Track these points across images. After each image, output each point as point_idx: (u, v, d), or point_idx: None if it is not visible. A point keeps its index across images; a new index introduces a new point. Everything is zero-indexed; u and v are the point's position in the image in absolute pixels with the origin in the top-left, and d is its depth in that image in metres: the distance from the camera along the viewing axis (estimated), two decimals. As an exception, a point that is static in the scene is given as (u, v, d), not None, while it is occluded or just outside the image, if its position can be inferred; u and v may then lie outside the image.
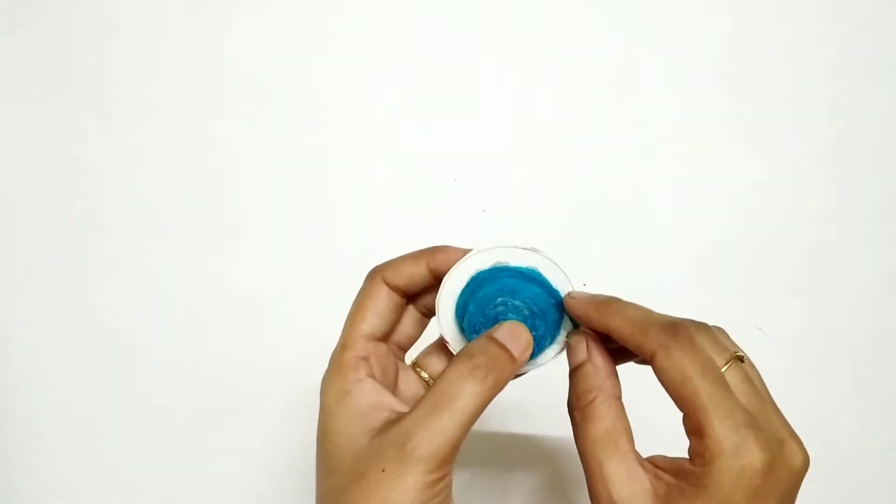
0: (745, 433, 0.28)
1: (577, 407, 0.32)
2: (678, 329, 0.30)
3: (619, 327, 0.31)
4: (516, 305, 0.34)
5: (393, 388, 0.36)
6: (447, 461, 0.30)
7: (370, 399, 0.33)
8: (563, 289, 0.36)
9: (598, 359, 0.33)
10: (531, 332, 0.33)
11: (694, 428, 0.29)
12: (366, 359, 0.34)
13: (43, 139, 0.59)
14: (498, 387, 0.31)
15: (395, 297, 0.35)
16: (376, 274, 0.35)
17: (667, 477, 0.30)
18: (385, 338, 0.36)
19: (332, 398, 0.33)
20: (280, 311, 0.58)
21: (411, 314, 0.37)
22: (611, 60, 0.58)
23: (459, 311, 0.35)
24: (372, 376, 0.34)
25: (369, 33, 0.58)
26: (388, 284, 0.35)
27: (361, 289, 0.35)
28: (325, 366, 0.34)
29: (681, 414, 0.29)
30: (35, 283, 0.58)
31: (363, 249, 0.57)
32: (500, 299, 0.34)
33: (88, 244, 0.58)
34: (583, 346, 0.33)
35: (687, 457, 0.29)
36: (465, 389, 0.30)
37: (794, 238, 0.57)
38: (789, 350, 0.56)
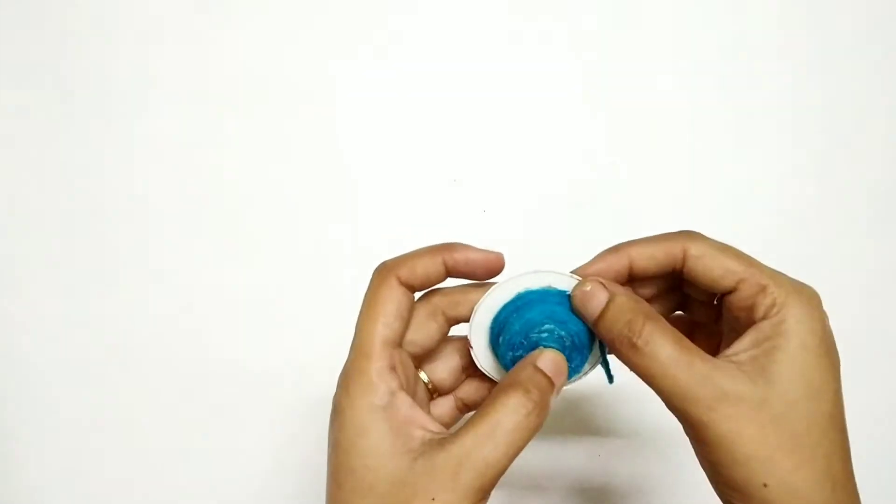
0: (787, 277, 0.32)
1: (628, 341, 0.30)
2: (693, 231, 0.33)
3: (642, 249, 0.33)
4: (560, 336, 0.33)
5: (415, 395, 0.34)
6: (490, 490, 0.30)
7: (403, 416, 0.31)
8: None
9: (622, 290, 0.33)
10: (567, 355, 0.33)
11: (753, 288, 0.31)
12: (393, 368, 0.32)
13: (43, 139, 0.59)
14: (545, 416, 0.31)
15: (410, 297, 0.33)
16: (389, 272, 0.33)
17: (748, 353, 0.30)
18: (400, 343, 0.34)
19: (362, 413, 0.31)
20: (280, 312, 0.58)
21: (439, 324, 0.36)
22: (611, 59, 0.58)
23: (497, 325, 0.34)
24: (403, 388, 0.32)
25: (369, 33, 0.58)
26: (403, 284, 0.33)
27: (373, 288, 0.33)
28: (327, 367, 0.34)
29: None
30: (35, 283, 0.58)
31: (363, 249, 0.57)
32: (547, 325, 0.33)
33: (88, 244, 0.58)
34: (600, 286, 0.32)
35: (752, 326, 0.31)
36: (520, 423, 0.30)
37: (793, 238, 0.57)
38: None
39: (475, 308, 0.34)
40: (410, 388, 0.33)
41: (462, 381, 0.37)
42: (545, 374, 0.31)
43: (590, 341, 0.34)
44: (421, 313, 0.35)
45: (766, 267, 0.31)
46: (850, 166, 0.58)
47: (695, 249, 0.32)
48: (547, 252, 0.57)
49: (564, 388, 0.34)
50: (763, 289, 0.31)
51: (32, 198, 0.59)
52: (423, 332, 0.35)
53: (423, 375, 0.36)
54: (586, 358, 0.35)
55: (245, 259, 0.58)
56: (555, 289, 0.34)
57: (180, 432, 0.57)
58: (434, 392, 0.37)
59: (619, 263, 0.33)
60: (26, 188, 0.59)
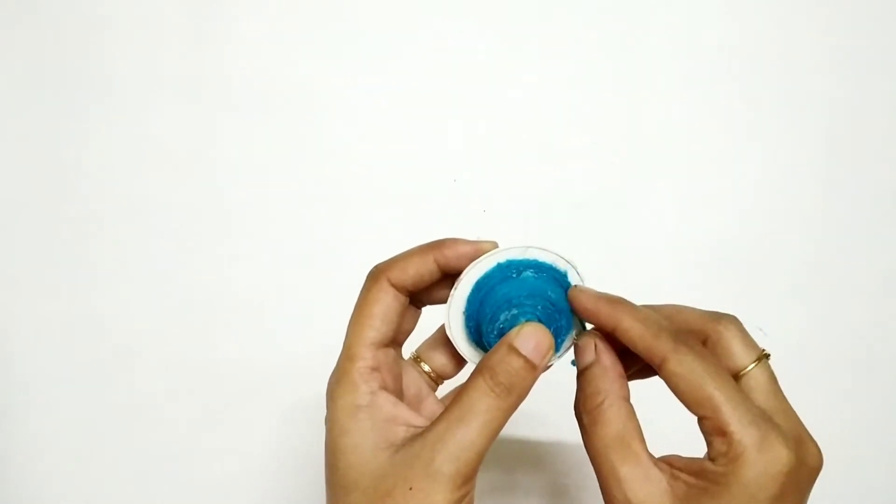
0: (766, 429, 0.28)
1: (586, 410, 0.31)
2: (690, 336, 0.31)
3: (630, 328, 0.31)
4: (535, 305, 0.33)
5: (402, 394, 0.35)
6: (472, 476, 0.30)
7: (385, 413, 0.32)
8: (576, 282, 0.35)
9: (607, 360, 0.32)
10: (552, 330, 0.32)
11: (714, 428, 0.29)
12: (377, 369, 0.33)
13: (43, 139, 0.59)
14: (521, 399, 0.31)
15: (402, 299, 0.34)
16: (380, 274, 0.33)
17: (685, 477, 0.29)
18: (390, 344, 0.34)
19: (344, 413, 0.32)
20: (280, 312, 0.58)
21: (412, 314, 0.36)
22: (611, 60, 0.58)
23: (472, 312, 0.34)
24: (385, 388, 0.33)
25: (370, 33, 0.58)
26: (394, 286, 0.33)
27: (364, 291, 0.33)
28: (327, 367, 0.34)
29: (691, 418, 0.29)
30: (35, 282, 0.58)
31: (363, 250, 0.57)
32: (516, 299, 0.33)
33: (88, 244, 0.58)
34: (591, 348, 0.33)
35: (705, 458, 0.29)
36: (490, 405, 0.30)
37: (794, 238, 0.57)
38: (790, 350, 0.56)
39: (449, 302, 0.34)
40: (396, 386, 0.34)
41: (465, 364, 0.37)
42: (518, 353, 0.31)
43: (570, 317, 0.34)
44: (380, 294, 0.35)
45: (732, 406, 0.28)
46: (849, 166, 0.58)
47: (673, 365, 0.29)
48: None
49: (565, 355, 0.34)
50: (722, 434, 0.28)
51: (32, 197, 0.59)
52: (410, 323, 0.36)
53: (424, 367, 0.36)
54: (571, 322, 0.34)
55: (246, 259, 0.58)
56: (517, 258, 0.34)
57: (180, 432, 0.57)
58: (439, 379, 0.37)
59: (610, 325, 0.32)
60: (26, 188, 0.58)
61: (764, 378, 0.31)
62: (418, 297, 0.35)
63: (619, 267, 0.57)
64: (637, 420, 0.31)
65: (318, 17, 0.59)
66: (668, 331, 0.30)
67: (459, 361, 0.37)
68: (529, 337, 0.31)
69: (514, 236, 0.56)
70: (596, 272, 0.57)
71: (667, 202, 0.57)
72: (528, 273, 0.34)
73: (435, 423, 0.31)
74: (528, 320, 0.32)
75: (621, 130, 0.58)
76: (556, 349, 0.33)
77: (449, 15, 0.58)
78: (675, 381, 0.29)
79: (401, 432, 0.31)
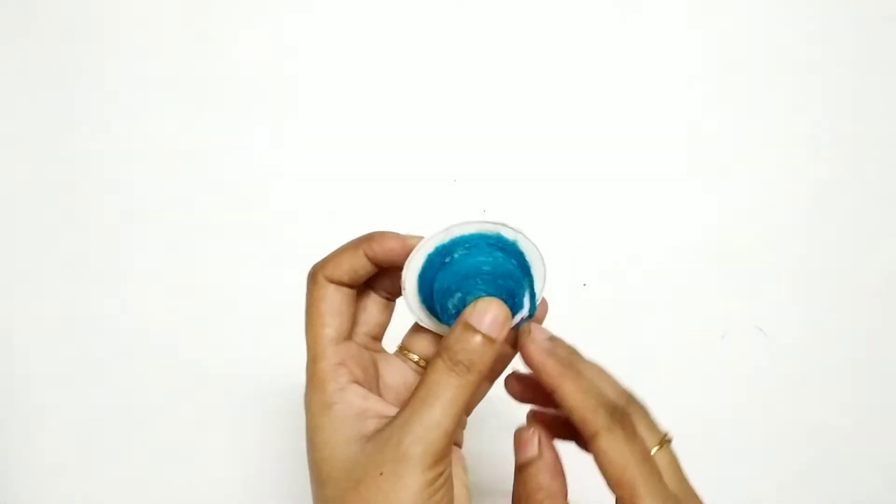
0: None
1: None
2: (624, 415, 0.31)
3: (569, 395, 0.31)
4: (474, 282, 0.33)
5: (376, 384, 0.35)
6: (443, 455, 0.30)
7: (356, 408, 0.32)
8: (528, 250, 0.34)
9: (549, 456, 0.32)
10: (507, 300, 0.32)
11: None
12: (343, 364, 0.33)
13: (43, 139, 0.59)
14: (482, 374, 0.31)
15: (344, 291, 0.34)
16: (317, 273, 0.34)
17: None
18: (349, 336, 0.35)
19: (316, 411, 0.32)
20: (280, 311, 0.58)
21: (374, 301, 0.36)
22: (611, 59, 0.58)
23: (426, 294, 0.34)
24: (356, 381, 0.33)
25: (370, 33, 0.58)
26: (332, 282, 0.34)
27: (308, 292, 0.34)
28: None
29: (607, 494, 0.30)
30: (35, 282, 0.58)
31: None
32: (454, 284, 0.33)
33: (88, 244, 0.58)
34: (535, 442, 0.33)
35: None
36: (451, 384, 0.30)
37: (794, 238, 0.57)
38: (789, 350, 0.56)
39: (402, 288, 0.34)
40: (368, 375, 0.34)
41: None
42: (474, 329, 0.31)
43: (521, 273, 0.34)
44: (375, 299, 0.36)
45: (657, 491, 0.30)
46: (850, 166, 0.57)
47: (603, 441, 0.30)
48: (547, 251, 0.57)
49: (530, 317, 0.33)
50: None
51: (32, 197, 0.58)
52: (383, 315, 0.36)
53: (412, 356, 0.37)
54: (524, 274, 0.34)
55: (245, 259, 0.58)
56: (458, 237, 0.34)
57: (179, 432, 0.57)
58: (420, 362, 0.37)
59: (552, 384, 0.32)
60: (25, 187, 0.58)
61: (664, 462, 0.31)
62: (381, 287, 0.36)
63: (619, 267, 0.57)
64: None
65: (318, 17, 0.59)
66: (605, 406, 0.31)
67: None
68: (483, 312, 0.32)
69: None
70: (596, 272, 0.57)
71: (667, 202, 0.57)
72: (459, 252, 0.33)
73: (401, 409, 0.31)
74: (477, 297, 0.32)
75: (622, 130, 0.58)
76: (516, 310, 0.33)
77: (449, 14, 0.58)
78: (601, 458, 0.30)
79: (372, 424, 0.31)
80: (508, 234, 0.34)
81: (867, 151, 0.58)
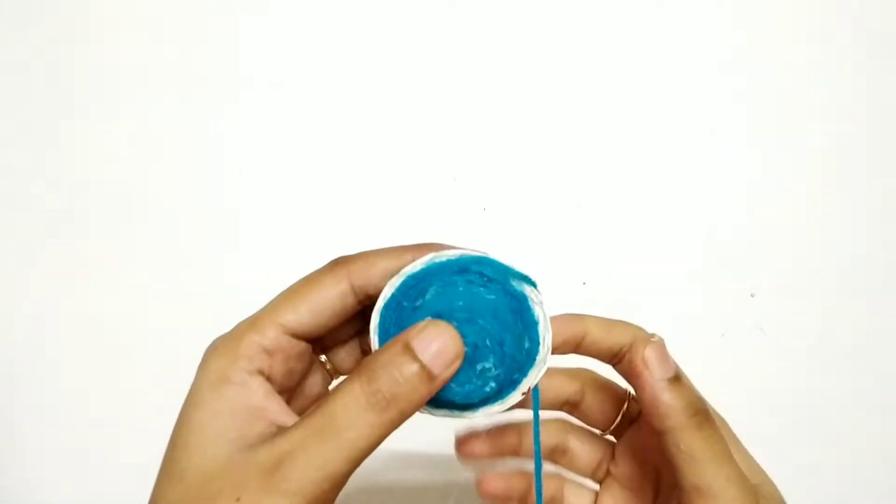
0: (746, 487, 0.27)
1: (704, 412, 0.28)
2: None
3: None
4: (458, 316, 0.25)
5: (291, 395, 0.29)
6: (324, 501, 0.24)
7: (253, 401, 0.26)
8: (531, 296, 0.27)
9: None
10: (491, 347, 0.26)
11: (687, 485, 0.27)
12: (271, 352, 0.27)
13: (42, 138, 0.58)
14: (405, 417, 0.24)
15: (350, 301, 0.28)
16: (341, 265, 0.28)
17: None
18: (312, 339, 0.29)
19: (207, 381, 0.26)
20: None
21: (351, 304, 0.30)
22: (611, 59, 0.58)
23: (384, 335, 0.27)
24: (267, 377, 0.27)
25: (370, 33, 0.58)
26: (353, 282, 0.28)
27: (314, 273, 0.29)
28: None
29: None
30: (34, 282, 0.58)
31: (364, 248, 0.57)
32: (461, 315, 0.25)
33: (88, 243, 0.58)
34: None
35: None
36: (358, 420, 0.24)
37: (793, 238, 0.57)
38: (789, 350, 0.56)
39: (387, 284, 0.27)
40: (286, 383, 0.28)
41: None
42: (415, 356, 0.24)
43: (508, 339, 0.26)
44: (326, 283, 0.29)
45: (725, 464, 0.27)
46: (850, 166, 0.57)
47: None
48: (546, 251, 0.57)
49: (494, 416, 0.27)
50: (700, 492, 0.27)
51: (32, 196, 0.58)
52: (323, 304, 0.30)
53: (322, 358, 0.31)
54: (513, 363, 0.26)
55: (245, 258, 0.58)
56: (441, 260, 0.27)
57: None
58: (336, 374, 0.32)
59: (574, 332, 0.29)
60: (25, 187, 0.58)
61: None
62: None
63: (619, 267, 0.57)
64: None
65: (319, 16, 0.58)
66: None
67: (362, 356, 0.31)
68: (430, 337, 0.24)
69: (514, 235, 0.57)
70: (596, 272, 0.57)
71: (667, 202, 0.57)
72: (431, 292, 0.26)
73: (293, 427, 0.25)
74: (436, 316, 0.25)
75: (622, 130, 0.58)
76: (503, 367, 0.26)
77: (450, 12, 0.58)
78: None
79: (259, 428, 0.25)
80: (492, 267, 0.27)
81: (868, 151, 0.57)
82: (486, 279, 0.26)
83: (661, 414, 0.27)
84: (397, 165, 0.58)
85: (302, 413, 0.26)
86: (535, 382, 0.27)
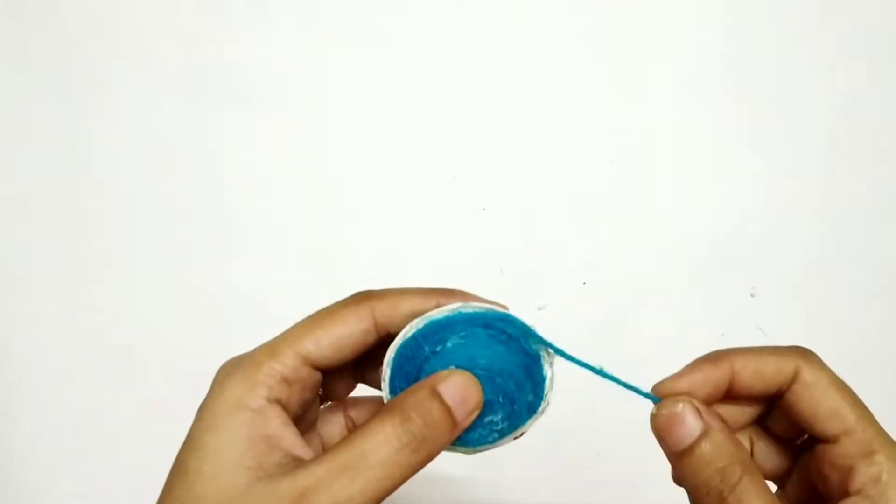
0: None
1: (717, 494, 0.24)
2: (808, 351, 0.28)
3: (744, 363, 0.27)
4: (479, 373, 0.27)
5: (307, 428, 0.29)
6: None
7: (269, 428, 0.26)
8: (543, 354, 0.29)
9: (718, 421, 0.26)
10: (503, 403, 0.27)
11: (855, 451, 0.26)
12: (290, 382, 0.27)
13: (43, 138, 0.58)
14: (430, 459, 0.25)
15: (372, 339, 0.28)
16: (366, 300, 0.28)
17: None
18: (326, 370, 0.28)
19: (224, 406, 0.26)
20: (280, 310, 0.57)
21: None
22: (611, 59, 0.58)
23: (397, 371, 0.28)
24: (285, 406, 0.27)
25: (370, 32, 0.58)
26: (377, 320, 0.28)
27: (339, 304, 0.29)
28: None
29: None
30: (36, 281, 0.58)
31: (364, 247, 0.57)
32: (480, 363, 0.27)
33: (89, 243, 0.58)
34: (692, 414, 0.26)
35: (840, 497, 0.25)
36: (389, 459, 0.24)
37: (793, 238, 0.57)
38: (789, 350, 0.56)
39: (409, 324, 0.28)
40: (300, 414, 0.28)
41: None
42: (443, 402, 0.25)
43: (519, 397, 0.28)
44: (351, 319, 0.29)
45: (878, 425, 0.26)
46: (850, 166, 0.57)
47: (809, 374, 0.26)
48: (546, 251, 0.57)
49: (481, 453, 0.28)
50: (870, 454, 0.25)
51: (32, 196, 0.58)
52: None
53: (350, 413, 0.31)
54: (517, 418, 0.28)
55: (245, 258, 0.58)
56: (463, 311, 0.28)
57: (180, 432, 0.57)
58: (324, 398, 0.31)
59: (719, 377, 0.27)
60: (27, 186, 0.58)
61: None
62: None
63: (619, 267, 0.57)
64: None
65: (318, 15, 0.58)
66: (787, 347, 0.27)
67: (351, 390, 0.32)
68: (458, 386, 0.26)
69: (514, 234, 0.57)
70: (596, 272, 0.57)
71: (667, 202, 0.57)
72: (453, 341, 0.27)
73: (315, 461, 0.24)
74: (458, 367, 0.27)
75: (622, 129, 0.58)
76: (512, 420, 0.28)
77: (449, 12, 0.58)
78: (809, 394, 0.26)
79: (276, 458, 0.25)
80: (514, 326, 0.28)
81: (867, 151, 0.57)
82: (507, 336, 0.28)
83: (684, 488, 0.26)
84: (397, 165, 0.58)
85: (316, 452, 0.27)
86: (528, 430, 0.29)
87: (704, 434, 0.25)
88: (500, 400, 0.27)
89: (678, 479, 0.26)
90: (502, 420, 0.28)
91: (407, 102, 0.58)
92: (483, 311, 0.28)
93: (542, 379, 0.28)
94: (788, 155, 0.57)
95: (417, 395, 0.25)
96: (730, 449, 0.25)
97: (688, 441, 0.26)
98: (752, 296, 0.57)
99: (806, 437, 0.29)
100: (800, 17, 0.58)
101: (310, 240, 0.58)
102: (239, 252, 0.58)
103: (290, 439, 0.26)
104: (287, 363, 0.27)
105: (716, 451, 0.25)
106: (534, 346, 0.28)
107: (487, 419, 0.27)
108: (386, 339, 0.29)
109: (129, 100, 0.58)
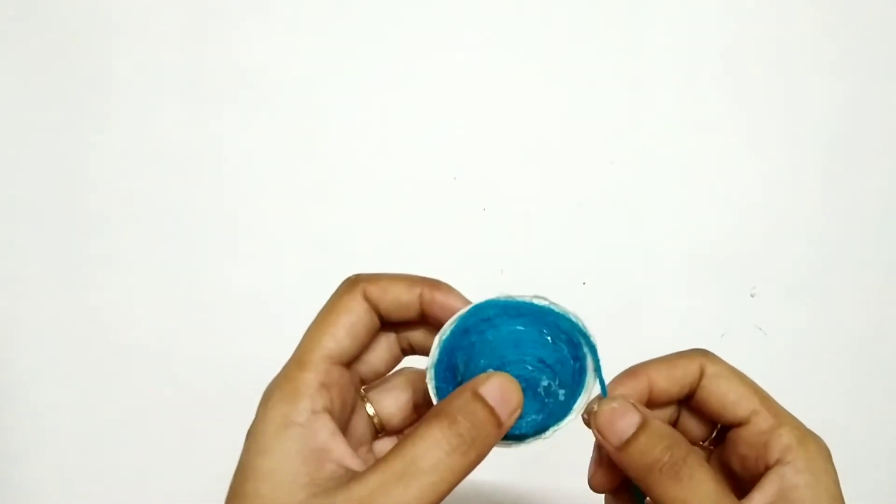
0: (800, 421, 0.29)
1: (671, 469, 0.26)
2: (707, 350, 0.31)
3: (658, 371, 0.29)
4: (535, 370, 0.28)
5: (346, 427, 0.30)
6: None
7: (319, 441, 0.26)
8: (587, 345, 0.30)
9: (659, 414, 0.29)
10: (538, 395, 0.28)
11: (765, 427, 0.28)
12: (327, 386, 0.27)
13: (44, 138, 0.58)
14: (480, 459, 0.26)
15: (373, 318, 0.29)
16: (357, 284, 0.29)
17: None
18: (349, 363, 0.29)
19: (272, 426, 0.26)
20: (280, 310, 0.57)
21: (389, 344, 0.31)
22: (612, 59, 0.58)
23: (444, 358, 0.29)
24: (329, 411, 0.27)
25: (370, 31, 0.58)
26: (368, 300, 0.29)
27: (335, 296, 0.29)
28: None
29: None
30: (36, 281, 0.58)
31: (363, 247, 0.57)
32: (520, 357, 0.28)
33: (89, 243, 0.58)
34: (630, 407, 0.28)
35: (769, 473, 0.28)
36: (441, 463, 0.24)
37: (793, 238, 0.57)
38: (789, 350, 0.56)
39: (441, 331, 0.29)
40: (343, 415, 0.29)
41: (413, 420, 0.32)
42: (485, 402, 0.26)
43: (573, 382, 0.29)
44: (390, 343, 0.31)
45: (778, 403, 0.29)
46: (849, 166, 0.57)
47: (712, 368, 0.29)
48: (546, 250, 0.57)
49: (543, 440, 0.29)
50: (778, 426, 0.28)
51: (33, 196, 0.58)
52: (388, 365, 0.31)
53: (369, 408, 0.31)
54: (567, 402, 0.29)
55: (245, 257, 0.58)
56: (508, 298, 0.29)
57: (180, 431, 0.57)
58: (381, 429, 0.32)
59: (640, 387, 0.29)
60: (27, 187, 0.58)
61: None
62: (406, 336, 0.31)
63: (619, 266, 0.57)
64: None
65: (318, 15, 0.58)
66: (689, 351, 0.30)
67: (408, 415, 0.32)
68: (497, 386, 0.26)
69: (514, 234, 0.57)
70: (595, 272, 0.57)
71: (667, 202, 0.57)
72: (505, 326, 0.29)
73: (368, 472, 0.25)
74: (496, 370, 0.27)
75: (622, 129, 0.58)
76: (553, 413, 0.29)
77: (449, 12, 0.58)
78: (716, 385, 0.29)
79: (328, 470, 0.25)
80: (568, 321, 0.29)
81: (867, 151, 0.57)
82: (556, 330, 0.29)
83: (632, 476, 0.28)
84: (398, 165, 0.58)
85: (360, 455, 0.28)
86: (564, 426, 0.30)
87: (645, 422, 0.27)
88: (544, 393, 0.28)
89: (624, 467, 0.28)
90: (546, 411, 0.29)
91: (407, 102, 0.58)
92: (544, 306, 0.29)
93: (583, 383, 0.30)
94: (788, 155, 0.57)
95: (461, 399, 0.26)
96: (670, 431, 0.28)
97: (630, 430, 0.27)
98: (751, 296, 0.57)
99: (715, 434, 0.32)
100: (800, 18, 0.58)
101: (310, 240, 0.58)
102: (239, 252, 0.58)
103: (340, 449, 0.27)
104: (319, 369, 0.28)
105: (660, 433, 0.27)
106: (583, 349, 0.29)
107: (530, 416, 0.28)
108: (380, 318, 0.30)
109: (129, 100, 0.58)
